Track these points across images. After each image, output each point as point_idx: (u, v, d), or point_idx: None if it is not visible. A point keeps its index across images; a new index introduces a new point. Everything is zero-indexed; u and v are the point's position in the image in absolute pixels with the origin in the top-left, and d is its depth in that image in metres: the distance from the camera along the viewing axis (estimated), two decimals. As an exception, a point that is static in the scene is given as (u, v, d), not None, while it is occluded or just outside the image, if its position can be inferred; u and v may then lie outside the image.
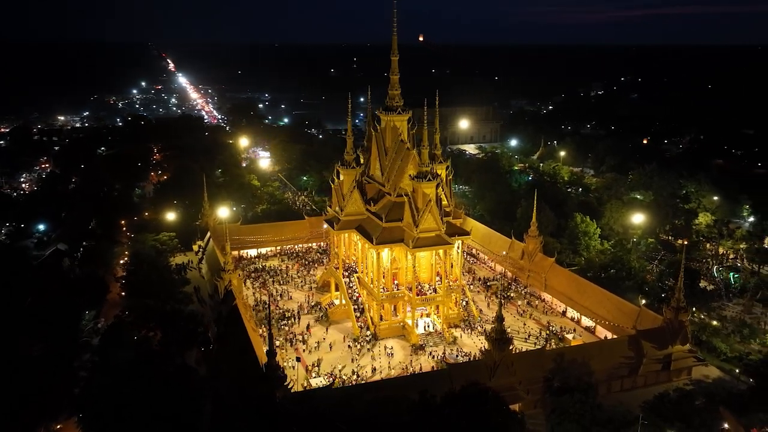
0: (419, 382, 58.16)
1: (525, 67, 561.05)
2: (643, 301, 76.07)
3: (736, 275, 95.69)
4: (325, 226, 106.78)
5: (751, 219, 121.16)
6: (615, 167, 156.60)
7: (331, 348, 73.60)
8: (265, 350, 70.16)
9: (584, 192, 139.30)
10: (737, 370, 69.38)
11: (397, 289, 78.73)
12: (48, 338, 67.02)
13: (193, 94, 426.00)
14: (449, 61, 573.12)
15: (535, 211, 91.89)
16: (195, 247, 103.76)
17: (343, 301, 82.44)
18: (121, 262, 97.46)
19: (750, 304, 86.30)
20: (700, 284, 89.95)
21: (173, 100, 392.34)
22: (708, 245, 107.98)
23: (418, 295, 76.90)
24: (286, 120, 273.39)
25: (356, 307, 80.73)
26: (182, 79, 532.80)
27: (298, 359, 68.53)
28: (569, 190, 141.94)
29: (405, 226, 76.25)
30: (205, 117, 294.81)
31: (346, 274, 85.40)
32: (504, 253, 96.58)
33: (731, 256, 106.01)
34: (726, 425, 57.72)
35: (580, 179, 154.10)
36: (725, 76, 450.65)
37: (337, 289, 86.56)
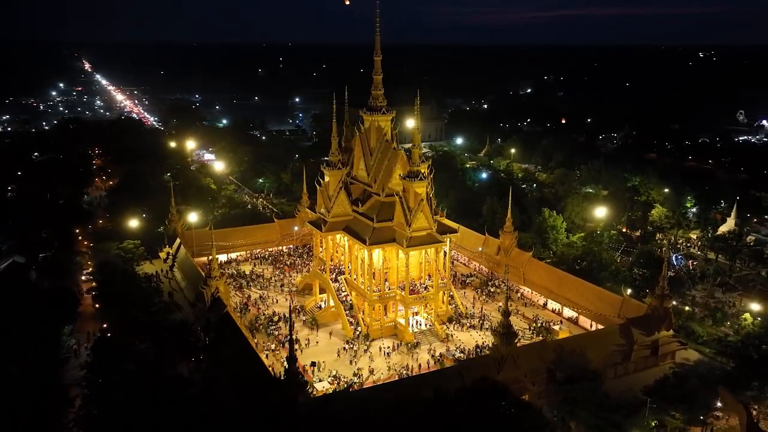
0: (431, 380, 58.71)
1: (450, 67, 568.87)
2: (629, 291, 79.34)
3: (695, 263, 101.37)
4: (296, 228, 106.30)
5: (695, 209, 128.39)
6: (563, 163, 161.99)
7: (339, 354, 72.66)
8: (263, 355, 69.51)
9: (538, 188, 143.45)
10: (707, 350, 73.84)
11: (389, 289, 78.72)
12: (28, 355, 63.13)
13: (119, 96, 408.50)
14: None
15: (510, 207, 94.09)
16: (162, 255, 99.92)
17: (331, 303, 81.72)
18: (83, 277, 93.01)
19: (712, 290, 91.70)
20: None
21: (98, 102, 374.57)
22: (663, 235, 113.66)
23: (411, 293, 77.19)
24: (225, 121, 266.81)
25: (347, 311, 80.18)
26: (103, 81, 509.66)
27: (313, 363, 67.35)
28: (524, 186, 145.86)
29: (396, 226, 76.31)
30: (137, 119, 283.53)
31: (333, 276, 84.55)
32: (480, 249, 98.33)
33: (686, 245, 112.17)
34: (719, 403, 61.46)
35: (531, 175, 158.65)
36: (641, 74, 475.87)
37: (321, 292, 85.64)
